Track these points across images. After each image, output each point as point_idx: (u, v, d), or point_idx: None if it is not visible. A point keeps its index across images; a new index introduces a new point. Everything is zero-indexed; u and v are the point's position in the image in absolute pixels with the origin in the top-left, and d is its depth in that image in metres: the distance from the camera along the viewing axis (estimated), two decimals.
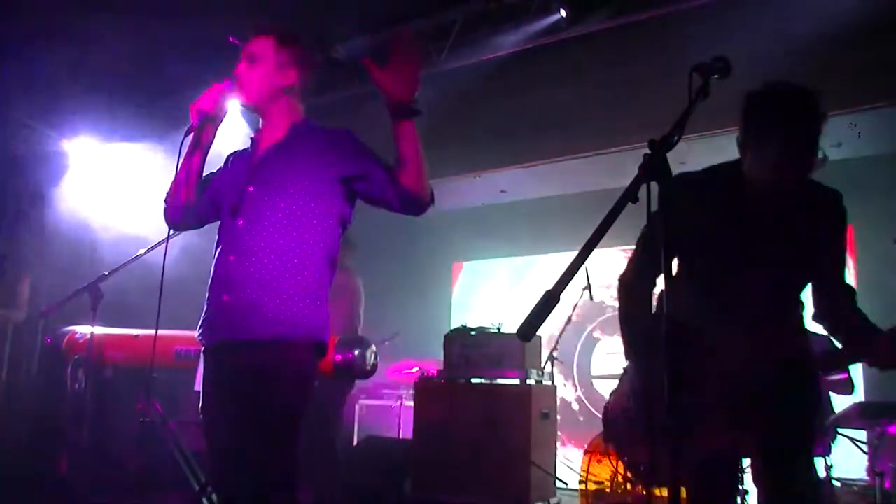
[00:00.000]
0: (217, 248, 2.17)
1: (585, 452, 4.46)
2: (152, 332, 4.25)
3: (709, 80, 1.64)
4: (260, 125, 2.26)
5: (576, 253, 1.40)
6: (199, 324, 2.15)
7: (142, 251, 3.53)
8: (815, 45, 4.23)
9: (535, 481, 4.33)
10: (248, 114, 2.36)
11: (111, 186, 5.76)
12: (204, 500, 4.05)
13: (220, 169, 2.30)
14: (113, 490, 4.67)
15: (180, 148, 2.15)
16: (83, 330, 4.05)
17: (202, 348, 2.16)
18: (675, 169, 1.50)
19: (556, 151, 5.75)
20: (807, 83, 2.00)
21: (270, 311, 2.00)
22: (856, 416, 4.36)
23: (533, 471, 4.33)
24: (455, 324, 5.68)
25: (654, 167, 1.47)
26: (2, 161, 5.49)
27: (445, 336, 4.90)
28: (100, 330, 3.68)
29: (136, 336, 4.24)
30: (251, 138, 2.28)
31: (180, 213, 2.23)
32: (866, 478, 4.44)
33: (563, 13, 4.87)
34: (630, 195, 1.46)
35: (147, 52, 5.26)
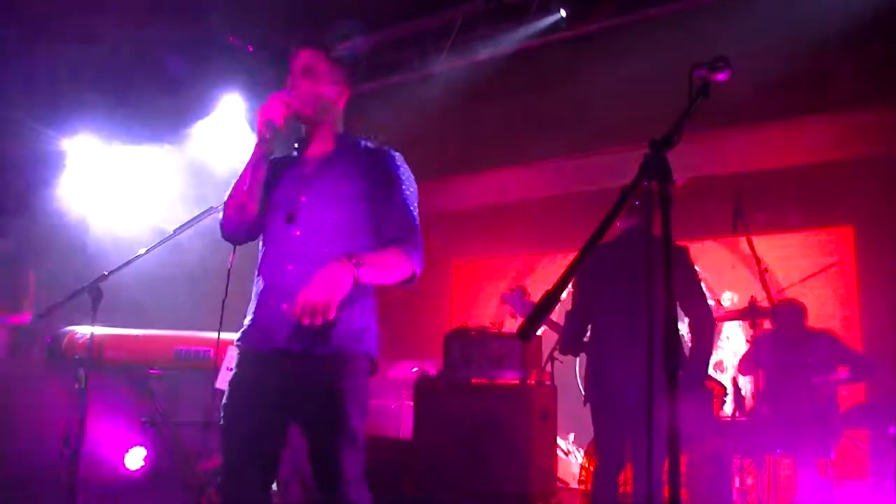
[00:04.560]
0: (266, 254, 2.18)
1: (586, 453, 4.46)
2: (152, 332, 4.27)
3: (709, 79, 1.64)
4: (303, 133, 2.27)
5: (576, 253, 1.40)
6: (247, 328, 2.15)
7: (142, 251, 3.51)
8: (815, 45, 4.23)
9: (535, 481, 4.33)
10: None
11: (111, 186, 5.76)
12: (204, 500, 4.05)
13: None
14: (113, 491, 4.67)
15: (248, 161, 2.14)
16: (83, 330, 4.05)
17: (238, 349, 2.16)
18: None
19: (556, 151, 5.74)
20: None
21: (331, 323, 2.00)
22: (857, 417, 4.37)
23: (533, 471, 4.32)
24: (455, 324, 5.68)
25: (654, 167, 1.47)
26: (1, 161, 5.49)
27: (445, 336, 4.89)
28: (100, 330, 3.67)
29: (137, 336, 4.24)
30: (296, 147, 2.28)
31: (249, 228, 2.19)
32: (867, 478, 4.44)
33: (563, 13, 4.87)
34: (630, 195, 1.46)
35: (147, 52, 5.25)
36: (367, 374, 2.13)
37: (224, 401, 2.10)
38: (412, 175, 2.22)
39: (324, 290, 1.85)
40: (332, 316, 1.85)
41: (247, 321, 2.17)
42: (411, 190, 2.18)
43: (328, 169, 2.17)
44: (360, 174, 2.15)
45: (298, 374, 2.04)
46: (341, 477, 1.99)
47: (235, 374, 2.12)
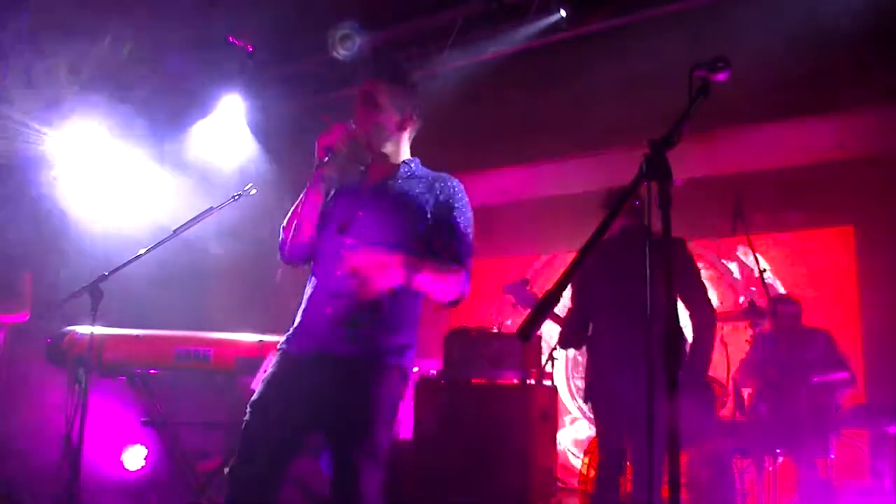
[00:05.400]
0: (317, 262, 2.23)
1: (585, 453, 4.46)
2: (153, 332, 4.27)
3: (709, 79, 1.64)
4: (368, 159, 2.33)
5: (575, 253, 1.40)
6: (292, 331, 2.19)
7: (142, 251, 3.52)
8: (814, 44, 4.23)
9: (535, 481, 4.33)
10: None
11: (111, 186, 5.76)
12: (204, 500, 4.05)
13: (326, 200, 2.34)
14: (113, 491, 4.67)
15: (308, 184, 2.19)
16: (83, 330, 4.05)
17: (280, 351, 2.19)
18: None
19: (556, 151, 5.74)
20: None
21: (372, 333, 2.08)
22: (857, 417, 4.37)
23: (533, 471, 4.32)
24: (455, 324, 5.67)
25: (654, 167, 1.47)
26: (0, 161, 5.49)
27: (445, 336, 4.89)
28: (100, 330, 3.67)
29: (137, 336, 4.24)
30: (361, 169, 2.35)
31: (306, 249, 2.25)
32: (866, 477, 4.44)
33: (563, 13, 4.86)
34: (630, 195, 1.46)
35: (147, 52, 5.25)
36: (401, 389, 2.15)
37: (254, 397, 2.12)
38: (468, 200, 2.27)
39: (375, 259, 1.94)
40: (375, 289, 1.93)
41: (294, 324, 2.21)
42: (468, 216, 2.25)
43: (386, 189, 2.24)
44: (418, 196, 2.21)
45: (333, 380, 2.06)
46: (358, 491, 2.01)
47: (271, 373, 2.15)
